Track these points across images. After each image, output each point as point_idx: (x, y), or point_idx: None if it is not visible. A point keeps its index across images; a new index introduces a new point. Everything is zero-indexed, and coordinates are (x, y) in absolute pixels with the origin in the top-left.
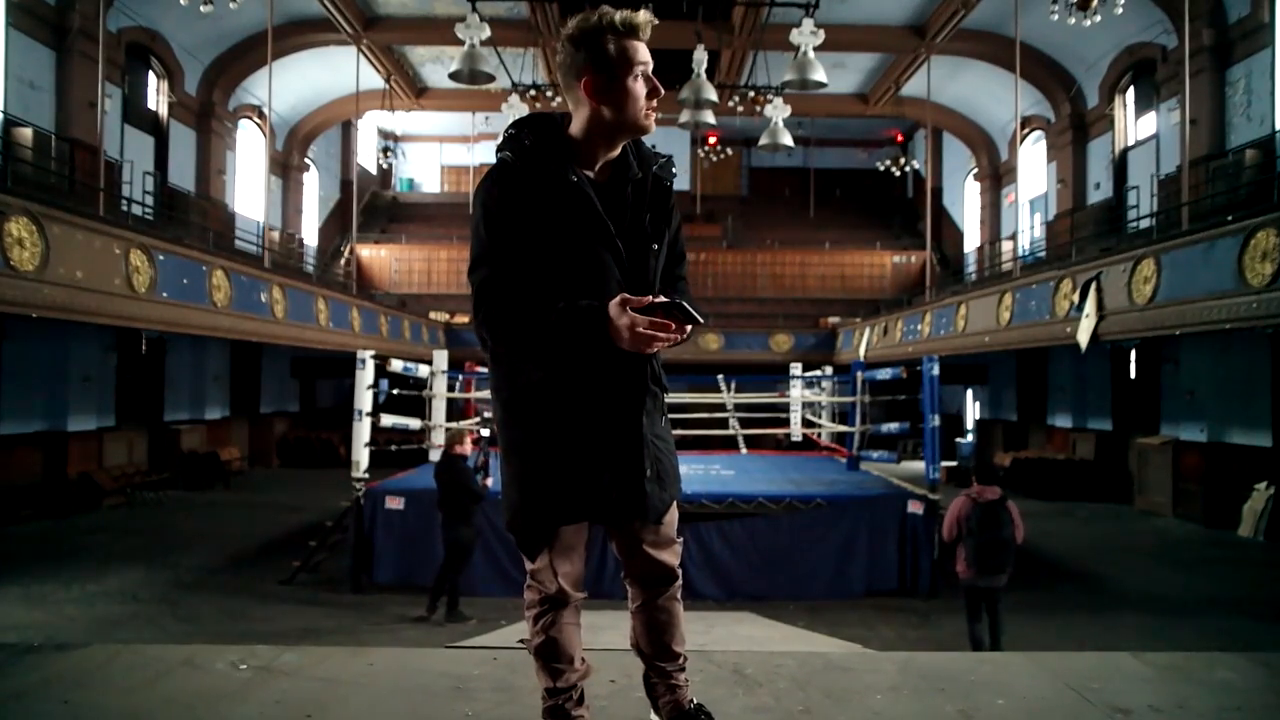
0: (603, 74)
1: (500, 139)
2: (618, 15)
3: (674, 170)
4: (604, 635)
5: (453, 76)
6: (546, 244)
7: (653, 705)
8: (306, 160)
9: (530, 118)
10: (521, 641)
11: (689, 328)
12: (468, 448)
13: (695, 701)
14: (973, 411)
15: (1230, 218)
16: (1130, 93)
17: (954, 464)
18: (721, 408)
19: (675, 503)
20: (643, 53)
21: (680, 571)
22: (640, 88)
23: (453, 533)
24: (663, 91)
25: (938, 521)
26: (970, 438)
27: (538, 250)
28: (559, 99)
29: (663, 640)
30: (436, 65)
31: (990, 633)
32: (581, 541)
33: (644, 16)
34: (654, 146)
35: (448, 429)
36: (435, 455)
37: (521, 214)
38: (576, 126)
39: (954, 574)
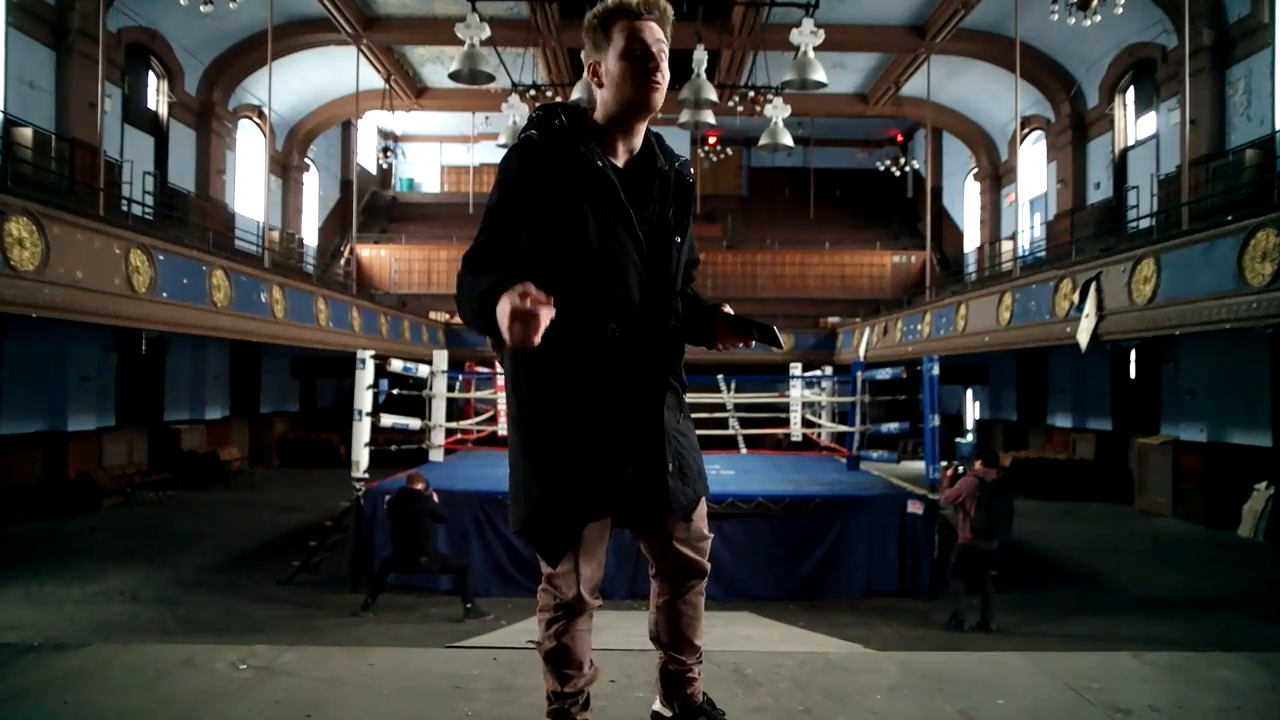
0: (597, 58)
1: (527, 120)
2: (608, 0)
3: (692, 170)
4: (604, 635)
5: (453, 76)
6: (565, 227)
7: (662, 695)
8: (306, 160)
9: (559, 104)
10: (531, 643)
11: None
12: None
13: (706, 695)
14: (973, 411)
15: (1230, 218)
16: (1130, 93)
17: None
18: (721, 407)
19: (703, 500)
20: (633, 30)
21: (709, 566)
22: (631, 64)
23: (433, 562)
24: (657, 63)
25: (938, 520)
26: (970, 438)
27: (554, 232)
28: (559, 99)
29: (685, 634)
30: (436, 65)
31: (982, 608)
32: (604, 546)
33: None
34: None
35: (410, 477)
36: (435, 455)
37: (543, 192)
38: (596, 115)
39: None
